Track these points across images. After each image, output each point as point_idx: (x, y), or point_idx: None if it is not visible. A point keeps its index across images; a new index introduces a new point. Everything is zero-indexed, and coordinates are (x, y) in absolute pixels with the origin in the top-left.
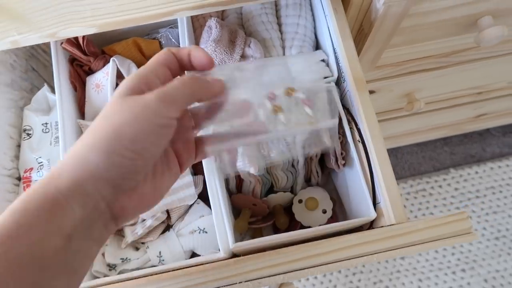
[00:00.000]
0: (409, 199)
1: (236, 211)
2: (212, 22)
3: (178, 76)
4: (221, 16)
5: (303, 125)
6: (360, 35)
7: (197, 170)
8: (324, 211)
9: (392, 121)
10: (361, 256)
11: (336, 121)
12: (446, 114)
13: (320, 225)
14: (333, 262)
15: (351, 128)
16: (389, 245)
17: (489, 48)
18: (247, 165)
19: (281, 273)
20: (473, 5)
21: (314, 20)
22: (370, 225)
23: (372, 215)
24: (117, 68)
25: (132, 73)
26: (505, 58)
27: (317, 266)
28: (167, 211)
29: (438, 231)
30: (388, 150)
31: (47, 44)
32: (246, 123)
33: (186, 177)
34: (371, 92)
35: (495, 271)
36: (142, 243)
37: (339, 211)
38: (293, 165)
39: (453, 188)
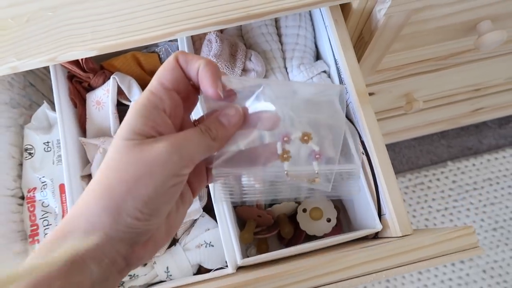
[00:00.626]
0: (407, 193)
1: (240, 221)
2: (212, 36)
3: (191, 117)
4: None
5: (302, 180)
6: (360, 42)
7: None
8: (329, 220)
9: (391, 120)
10: (370, 274)
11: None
12: (443, 111)
13: (325, 233)
14: (342, 281)
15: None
16: (397, 262)
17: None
18: (252, 182)
19: None
20: (473, 11)
21: (314, 30)
22: (375, 235)
23: (378, 227)
24: (118, 85)
25: (135, 109)
26: (503, 58)
27: (326, 284)
28: None
29: (445, 247)
30: (386, 145)
31: None
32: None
33: None
34: (370, 94)
35: (493, 262)
36: None
37: (343, 218)
38: None
39: (451, 180)
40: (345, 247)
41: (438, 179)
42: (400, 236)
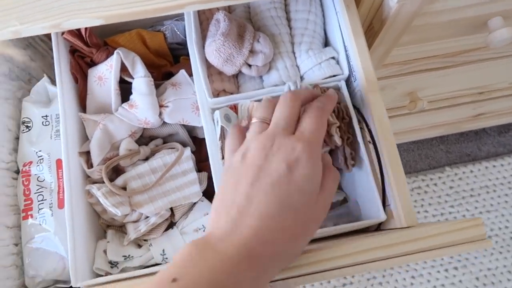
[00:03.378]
0: None
1: None
2: (220, 15)
3: None
4: (228, 9)
5: None
6: (369, 32)
7: (201, 167)
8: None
9: (392, 120)
10: (375, 261)
11: None
12: (445, 113)
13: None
14: (346, 267)
15: (361, 128)
16: (403, 250)
17: (496, 49)
18: None
19: (292, 277)
20: (485, 6)
21: (323, 16)
22: (378, 227)
23: (382, 217)
24: (121, 61)
25: None
26: (510, 59)
27: (329, 270)
28: (171, 209)
29: (452, 237)
30: None
31: (46, 34)
32: None
33: (191, 174)
34: None
35: (487, 269)
36: (145, 240)
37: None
38: None
39: (448, 186)
40: (345, 237)
41: (435, 184)
42: (406, 227)
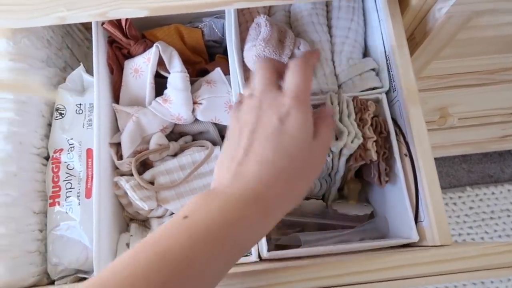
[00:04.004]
0: None
1: None
2: (261, 20)
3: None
4: (268, 12)
5: None
6: (410, 43)
7: None
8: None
9: None
10: (409, 278)
11: None
12: (473, 132)
13: (357, 215)
14: (378, 282)
15: (398, 141)
16: (438, 269)
17: None
18: None
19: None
20: None
21: (365, 25)
22: (407, 244)
23: (414, 237)
24: (159, 54)
25: None
26: None
27: (362, 283)
28: None
29: (492, 260)
30: None
31: (84, 24)
32: None
33: None
34: None
35: None
36: None
37: None
38: (329, 174)
39: (468, 206)
40: (376, 252)
41: (455, 203)
42: (439, 245)
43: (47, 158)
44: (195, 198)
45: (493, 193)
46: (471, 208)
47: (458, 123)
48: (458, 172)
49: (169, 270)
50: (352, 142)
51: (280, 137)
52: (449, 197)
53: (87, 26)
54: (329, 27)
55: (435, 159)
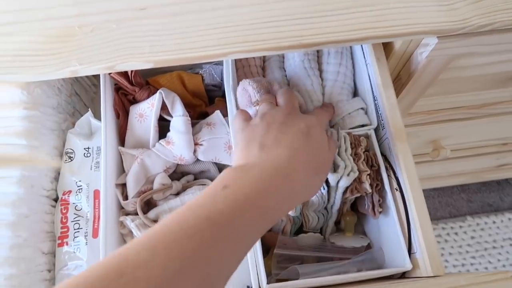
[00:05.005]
0: None
1: (264, 247)
2: (247, 85)
3: None
4: (264, 58)
5: None
6: (397, 83)
7: None
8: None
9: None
10: None
11: None
12: (468, 162)
13: (354, 247)
14: None
15: (388, 176)
16: None
17: None
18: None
19: None
20: (510, 63)
21: (354, 67)
22: (402, 275)
23: (408, 266)
24: (163, 99)
25: None
26: None
27: None
28: None
29: None
30: None
31: None
32: None
33: None
34: None
35: None
36: None
37: None
38: (326, 208)
39: (469, 236)
40: (371, 284)
41: (456, 233)
42: (432, 276)
43: (56, 199)
44: (229, 171)
45: (494, 222)
46: (472, 237)
47: (452, 155)
48: (457, 201)
49: (216, 229)
50: (348, 175)
51: (307, 137)
52: (450, 227)
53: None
54: (320, 71)
55: (434, 189)
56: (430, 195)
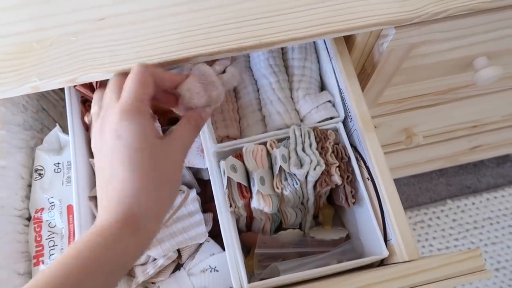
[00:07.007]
0: None
1: (244, 247)
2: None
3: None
4: (231, 58)
5: None
6: (362, 75)
7: (206, 208)
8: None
9: (390, 155)
10: None
11: None
12: (442, 147)
13: (333, 239)
14: None
15: (359, 166)
16: (405, 283)
17: (484, 86)
18: (262, 205)
19: None
20: (469, 48)
21: (319, 62)
22: (381, 262)
23: (385, 253)
24: None
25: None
26: (499, 94)
27: None
28: (178, 250)
29: (452, 269)
30: None
31: None
32: None
33: (197, 215)
34: None
35: None
36: (153, 283)
37: None
38: (302, 203)
39: (451, 219)
40: (351, 274)
41: (438, 217)
42: (408, 261)
43: (28, 219)
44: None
45: (473, 203)
46: (454, 220)
47: (425, 141)
48: (437, 186)
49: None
50: (314, 169)
51: (120, 149)
52: (431, 212)
53: (61, 88)
54: (286, 67)
55: (414, 176)
56: (410, 182)
